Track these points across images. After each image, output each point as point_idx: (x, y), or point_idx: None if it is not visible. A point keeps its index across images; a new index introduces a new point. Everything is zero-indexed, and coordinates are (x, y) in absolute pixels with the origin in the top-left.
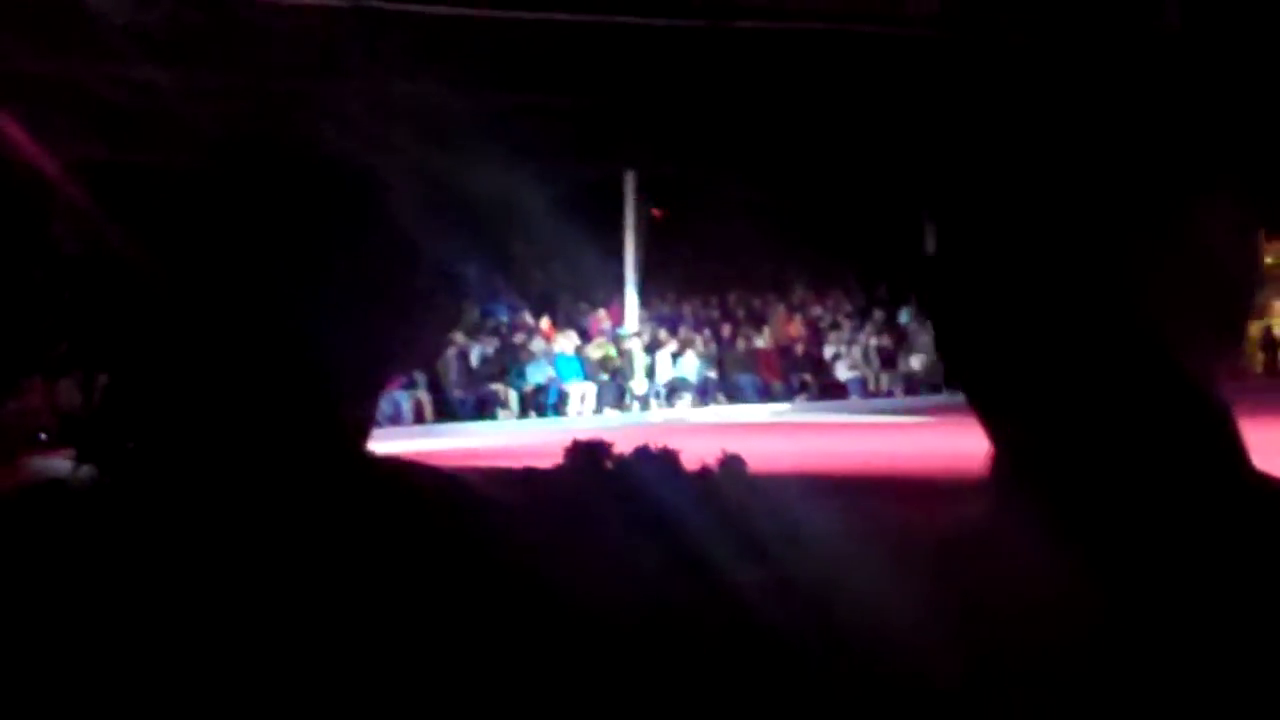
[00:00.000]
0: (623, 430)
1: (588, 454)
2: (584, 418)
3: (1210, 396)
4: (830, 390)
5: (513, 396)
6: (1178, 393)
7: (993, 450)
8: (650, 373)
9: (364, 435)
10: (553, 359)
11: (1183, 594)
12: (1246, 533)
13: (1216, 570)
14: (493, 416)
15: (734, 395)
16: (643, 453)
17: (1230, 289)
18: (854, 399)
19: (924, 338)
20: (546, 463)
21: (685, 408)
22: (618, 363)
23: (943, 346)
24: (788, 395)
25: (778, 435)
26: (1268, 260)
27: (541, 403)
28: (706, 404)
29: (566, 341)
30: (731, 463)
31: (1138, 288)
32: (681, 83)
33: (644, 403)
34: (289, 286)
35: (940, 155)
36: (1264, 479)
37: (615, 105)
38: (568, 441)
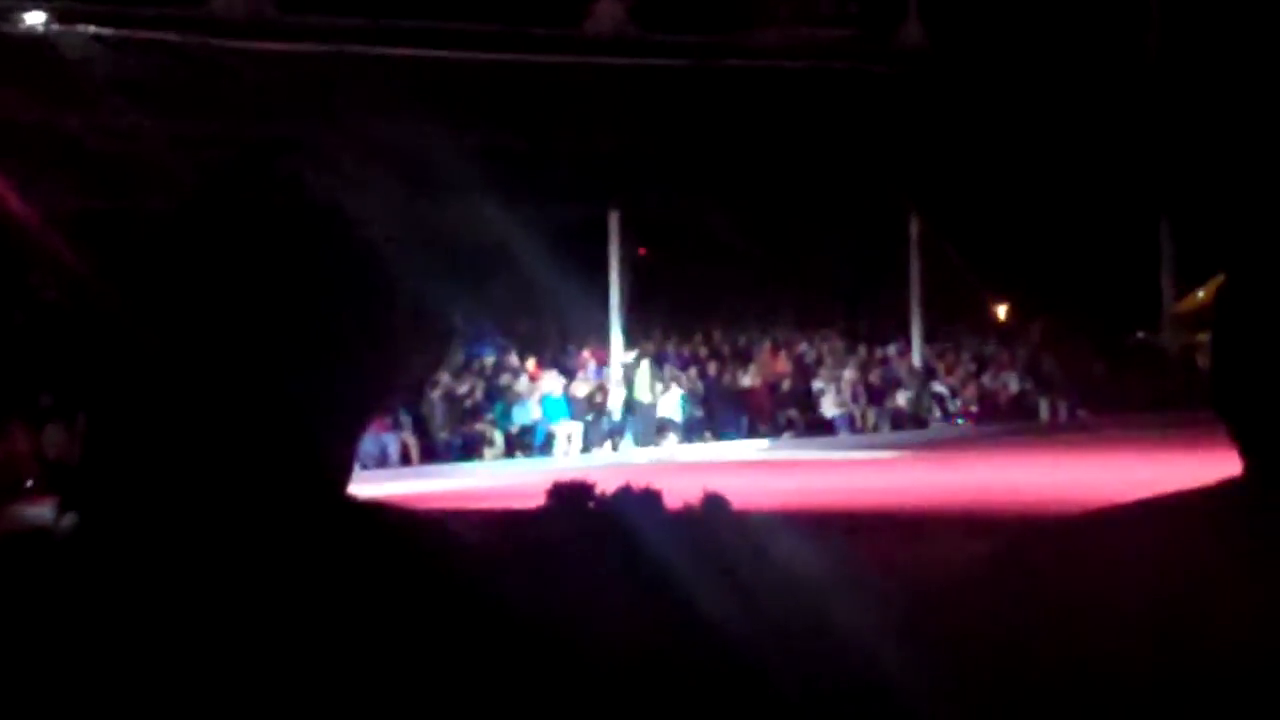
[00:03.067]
0: (608, 470)
1: (570, 495)
2: (570, 457)
3: None
4: (817, 426)
5: (498, 437)
6: None
7: (1245, 474)
8: (632, 409)
9: (345, 477)
10: (539, 399)
11: None
12: None
13: None
14: (479, 457)
15: (720, 433)
16: (625, 493)
17: None
18: (841, 435)
19: (908, 373)
20: (531, 503)
21: (672, 446)
22: (607, 396)
23: (1218, 378)
24: (774, 432)
25: (764, 472)
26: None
27: (528, 443)
28: (693, 442)
29: (553, 382)
30: (714, 501)
31: None
32: (667, 122)
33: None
34: (269, 329)
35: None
36: None
37: (601, 145)
38: (550, 484)
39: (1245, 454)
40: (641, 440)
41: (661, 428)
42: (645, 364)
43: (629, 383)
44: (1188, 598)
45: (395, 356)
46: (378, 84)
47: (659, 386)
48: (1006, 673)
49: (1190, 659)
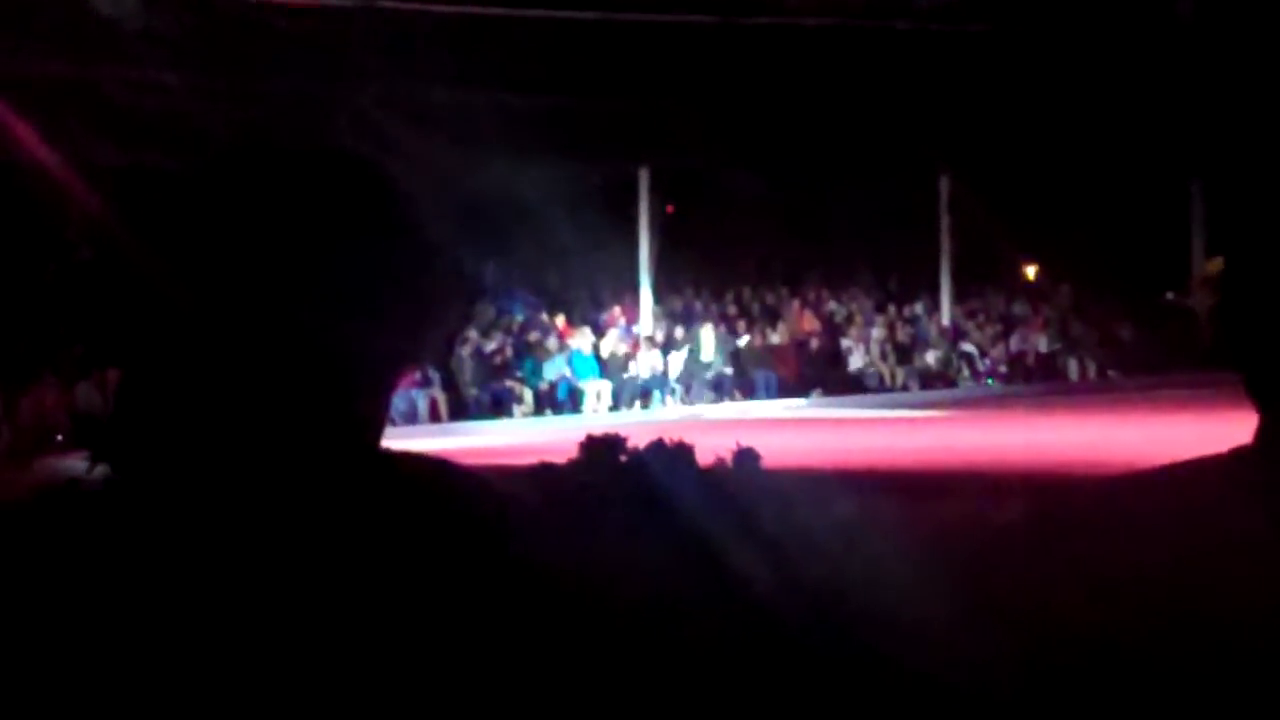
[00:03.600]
0: (638, 426)
1: (602, 448)
2: (599, 415)
3: None
4: (845, 385)
5: (528, 394)
6: None
7: (1262, 427)
8: (665, 369)
9: (378, 431)
10: (569, 357)
11: None
12: None
13: None
14: (508, 414)
15: (749, 391)
16: (657, 446)
17: None
18: (870, 393)
19: (937, 332)
20: (562, 459)
21: (702, 403)
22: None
23: (1230, 330)
24: (802, 390)
25: (793, 430)
26: None
27: (557, 400)
28: (722, 400)
29: (582, 339)
30: (745, 456)
31: None
32: (695, 79)
33: (661, 397)
34: (301, 285)
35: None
36: None
37: (629, 102)
38: (582, 437)
39: (1260, 405)
40: (692, 398)
41: (689, 385)
42: (709, 325)
43: (694, 342)
44: (1215, 560)
45: (427, 311)
46: (409, 40)
47: (722, 348)
48: (1038, 634)
49: (1217, 623)
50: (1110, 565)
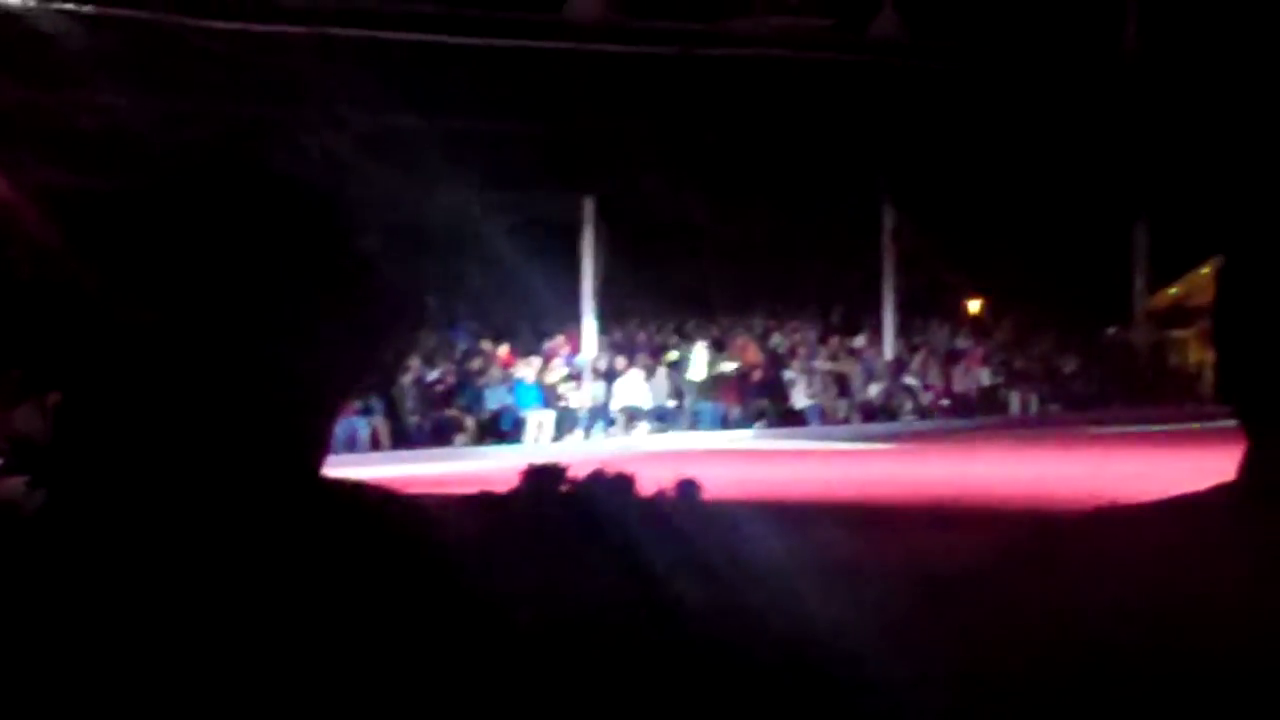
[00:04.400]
0: (581, 457)
1: (543, 478)
2: (542, 444)
3: None
4: (788, 417)
5: (470, 423)
6: None
7: (1251, 460)
8: (608, 400)
9: (319, 458)
10: (511, 386)
11: None
12: None
13: None
14: (450, 443)
15: (693, 422)
16: (598, 477)
17: None
18: (813, 425)
19: (880, 365)
20: (503, 488)
21: (644, 435)
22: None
23: (1223, 362)
24: (746, 422)
25: (736, 462)
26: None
27: (499, 429)
28: (666, 430)
29: (525, 368)
30: (686, 487)
31: None
32: (646, 110)
33: (604, 429)
34: (242, 307)
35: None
36: None
37: (576, 131)
38: (524, 467)
39: (1252, 440)
40: (636, 428)
41: (632, 416)
42: (701, 346)
43: (683, 365)
44: (1195, 598)
45: (369, 338)
46: (357, 67)
47: (712, 370)
48: (1010, 667)
49: (1196, 659)
50: (1086, 604)
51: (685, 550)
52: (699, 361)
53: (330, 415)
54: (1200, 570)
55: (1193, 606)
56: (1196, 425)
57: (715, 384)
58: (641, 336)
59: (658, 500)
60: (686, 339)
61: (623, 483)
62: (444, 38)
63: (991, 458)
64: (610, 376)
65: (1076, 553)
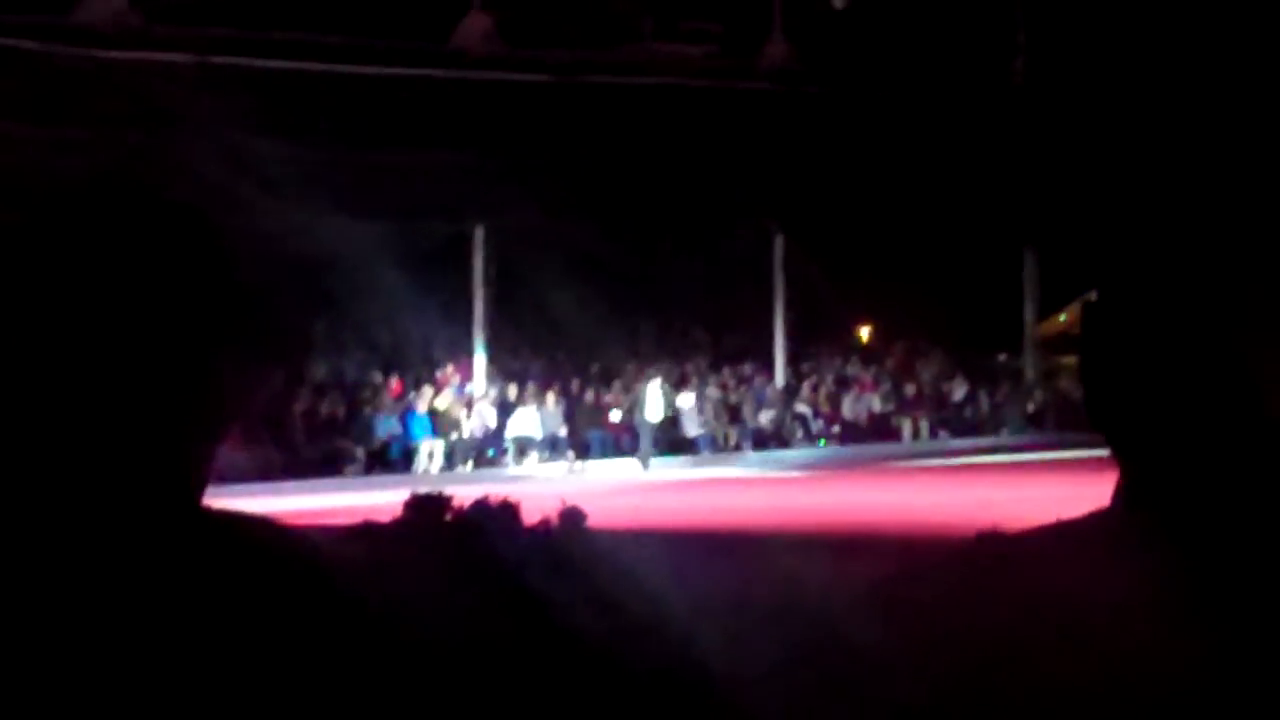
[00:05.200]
0: (470, 486)
1: (427, 507)
2: (431, 474)
3: None
4: (680, 445)
5: (359, 453)
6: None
7: (1122, 486)
8: (500, 429)
9: (200, 487)
10: (401, 415)
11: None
12: None
13: None
14: (339, 473)
15: (583, 451)
16: (481, 505)
17: None
18: (704, 454)
19: (771, 394)
20: (388, 518)
21: (534, 464)
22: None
23: (1090, 394)
24: (637, 450)
25: (625, 490)
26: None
27: (389, 459)
28: (556, 460)
29: (415, 398)
30: (571, 515)
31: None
32: (534, 138)
33: (494, 459)
34: (123, 338)
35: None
36: None
37: (464, 160)
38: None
39: (1121, 462)
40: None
41: (523, 446)
42: (657, 382)
43: (640, 400)
44: (1070, 620)
45: (253, 368)
46: (244, 95)
47: (673, 403)
48: (889, 689)
49: (1070, 676)
50: (965, 628)
51: (568, 578)
52: (653, 401)
53: (212, 445)
54: (1076, 592)
55: (1068, 627)
56: (1084, 452)
57: (606, 412)
58: (534, 365)
59: (540, 528)
60: (578, 369)
61: (507, 511)
62: (331, 66)
63: (881, 485)
64: (503, 406)
65: (957, 578)
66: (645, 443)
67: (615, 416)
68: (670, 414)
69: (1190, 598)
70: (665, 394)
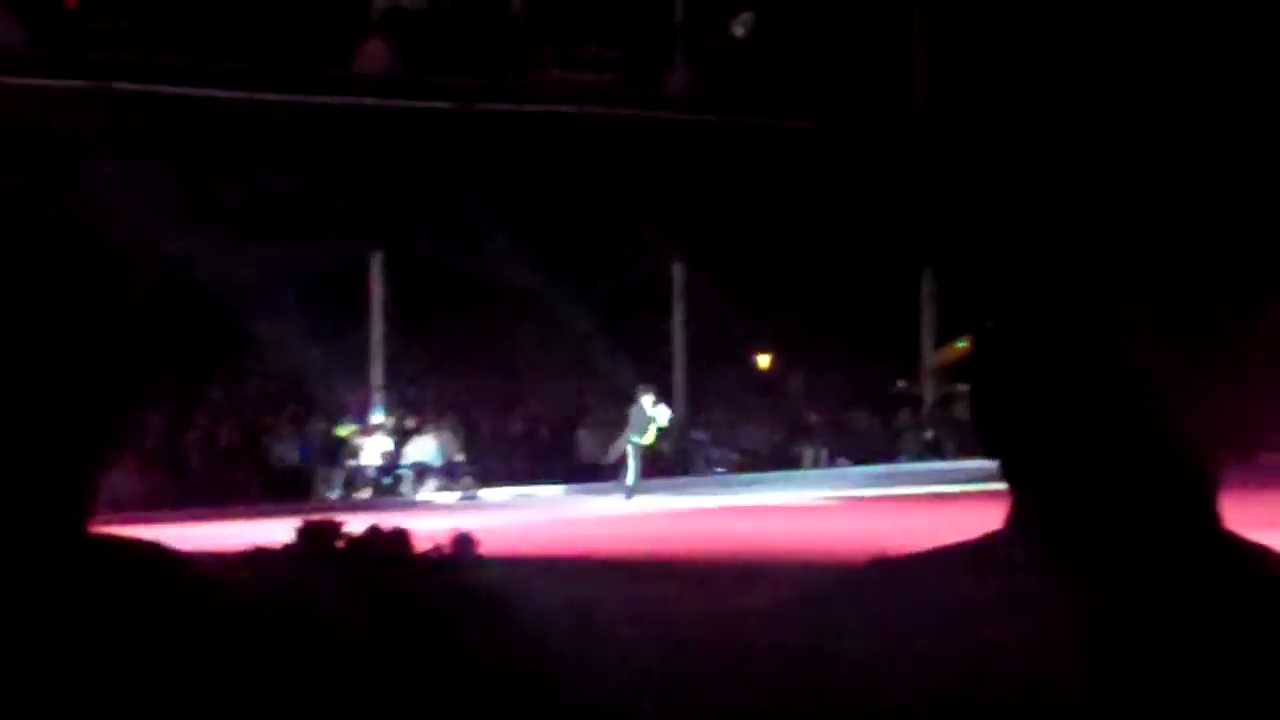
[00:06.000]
0: (367, 513)
1: (318, 534)
2: (329, 502)
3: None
4: (579, 472)
5: (255, 480)
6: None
7: (1014, 510)
8: (397, 455)
9: (86, 512)
10: (299, 443)
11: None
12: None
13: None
14: (236, 500)
15: (482, 477)
16: (372, 532)
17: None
18: (602, 481)
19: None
20: (279, 545)
21: (432, 490)
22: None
23: (981, 418)
24: (536, 478)
25: (523, 517)
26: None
27: (286, 486)
28: (455, 487)
29: (314, 425)
30: (463, 542)
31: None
32: (434, 165)
33: (392, 486)
34: (9, 356)
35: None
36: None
37: (362, 187)
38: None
39: (1011, 486)
40: (425, 485)
41: (421, 473)
42: (649, 399)
43: (637, 421)
44: (957, 648)
45: (144, 394)
46: (143, 121)
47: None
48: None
49: (957, 708)
50: (850, 656)
51: (458, 603)
52: (642, 419)
53: (96, 469)
54: (963, 619)
55: (954, 656)
56: (981, 480)
57: (506, 440)
58: (433, 392)
59: (431, 555)
60: (478, 396)
61: (398, 538)
62: (231, 92)
63: (777, 512)
64: (401, 433)
65: (844, 605)
66: (634, 467)
67: (612, 455)
68: (660, 432)
69: (1079, 619)
70: (656, 412)
